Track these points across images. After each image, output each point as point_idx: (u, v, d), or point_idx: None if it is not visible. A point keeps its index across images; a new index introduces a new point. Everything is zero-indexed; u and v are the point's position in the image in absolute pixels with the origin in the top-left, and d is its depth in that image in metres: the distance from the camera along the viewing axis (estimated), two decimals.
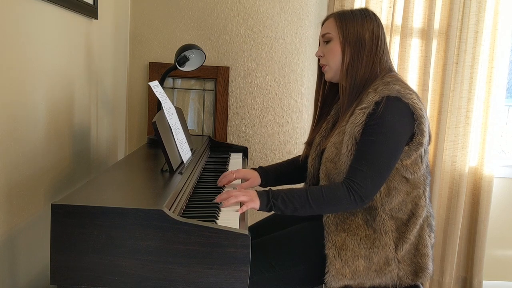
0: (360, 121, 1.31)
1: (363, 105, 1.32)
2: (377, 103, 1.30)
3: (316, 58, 1.52)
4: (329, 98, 1.57)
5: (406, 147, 1.33)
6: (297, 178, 1.66)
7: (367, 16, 1.41)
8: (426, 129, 1.33)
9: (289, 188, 1.34)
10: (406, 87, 1.35)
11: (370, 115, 1.30)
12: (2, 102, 1.17)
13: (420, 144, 1.33)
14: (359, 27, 1.39)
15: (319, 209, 1.32)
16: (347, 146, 1.34)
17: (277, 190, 1.33)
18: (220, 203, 1.29)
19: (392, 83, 1.33)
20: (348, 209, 1.35)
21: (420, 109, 1.31)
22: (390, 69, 1.44)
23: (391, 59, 1.47)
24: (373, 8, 2.29)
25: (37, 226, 1.40)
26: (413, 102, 1.30)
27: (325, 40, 1.45)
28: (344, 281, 1.32)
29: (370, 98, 1.32)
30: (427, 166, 1.41)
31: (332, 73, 1.45)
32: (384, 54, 1.43)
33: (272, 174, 1.63)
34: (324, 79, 1.52)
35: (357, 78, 1.39)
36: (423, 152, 1.35)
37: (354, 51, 1.39)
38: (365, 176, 1.29)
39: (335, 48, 1.42)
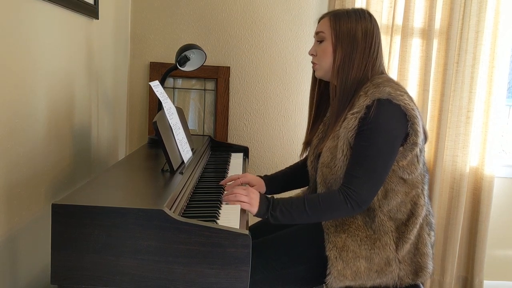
0: (353, 126, 1.30)
1: (355, 110, 1.31)
2: (368, 107, 1.29)
3: None
4: (325, 97, 1.55)
5: (400, 148, 1.32)
6: (303, 182, 1.66)
7: (361, 16, 1.39)
8: (420, 129, 1.31)
9: (288, 197, 1.35)
10: (397, 88, 1.32)
11: (362, 119, 1.29)
12: (3, 101, 1.17)
13: (415, 144, 1.32)
14: (352, 26, 1.37)
15: (317, 217, 1.34)
16: (342, 151, 1.33)
17: (277, 200, 1.34)
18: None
19: (383, 85, 1.31)
20: (347, 216, 1.36)
21: (412, 109, 1.30)
22: (382, 73, 1.42)
23: (384, 63, 1.45)
24: (373, 8, 2.29)
25: (38, 226, 1.40)
26: (405, 103, 1.29)
27: (318, 39, 1.44)
28: (345, 282, 1.32)
29: (361, 102, 1.31)
30: (424, 164, 1.40)
31: (322, 72, 1.44)
32: (378, 57, 1.40)
33: (278, 183, 1.65)
34: None
35: (348, 79, 1.37)
36: (418, 152, 1.34)
37: (346, 52, 1.37)
38: (362, 183, 1.29)
39: (327, 48, 1.40)
